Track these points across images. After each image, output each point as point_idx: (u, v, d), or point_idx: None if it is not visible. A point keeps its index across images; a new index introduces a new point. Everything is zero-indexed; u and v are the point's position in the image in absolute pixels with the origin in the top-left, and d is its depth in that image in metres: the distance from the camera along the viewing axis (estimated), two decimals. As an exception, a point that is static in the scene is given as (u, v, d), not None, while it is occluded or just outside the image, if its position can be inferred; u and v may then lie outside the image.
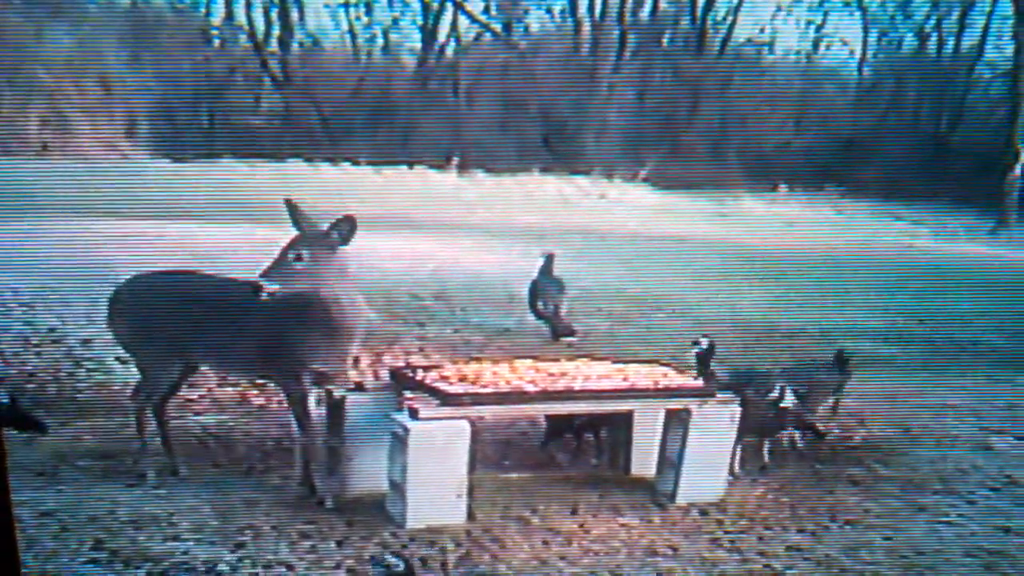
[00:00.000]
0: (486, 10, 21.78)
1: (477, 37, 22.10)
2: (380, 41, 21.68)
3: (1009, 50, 20.76)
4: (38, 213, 10.70)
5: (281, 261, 4.72)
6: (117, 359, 6.63)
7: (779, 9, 21.80)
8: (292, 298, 4.94)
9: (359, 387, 5.28)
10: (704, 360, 5.69)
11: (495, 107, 20.99)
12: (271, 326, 4.91)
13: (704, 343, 5.73)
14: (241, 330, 4.95)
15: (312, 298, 4.87)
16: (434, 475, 4.74)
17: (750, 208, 18.93)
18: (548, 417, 5.76)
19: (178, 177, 14.72)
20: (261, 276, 4.67)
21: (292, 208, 4.84)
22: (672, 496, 5.31)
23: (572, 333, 8.59)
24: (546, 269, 8.96)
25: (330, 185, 16.49)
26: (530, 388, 5.09)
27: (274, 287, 4.67)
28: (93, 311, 7.07)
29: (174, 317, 5.00)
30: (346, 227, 4.82)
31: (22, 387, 6.07)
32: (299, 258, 4.73)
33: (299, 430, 5.05)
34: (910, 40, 22.75)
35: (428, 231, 13.65)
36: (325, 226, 4.84)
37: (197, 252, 9.06)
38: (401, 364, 5.63)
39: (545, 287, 8.87)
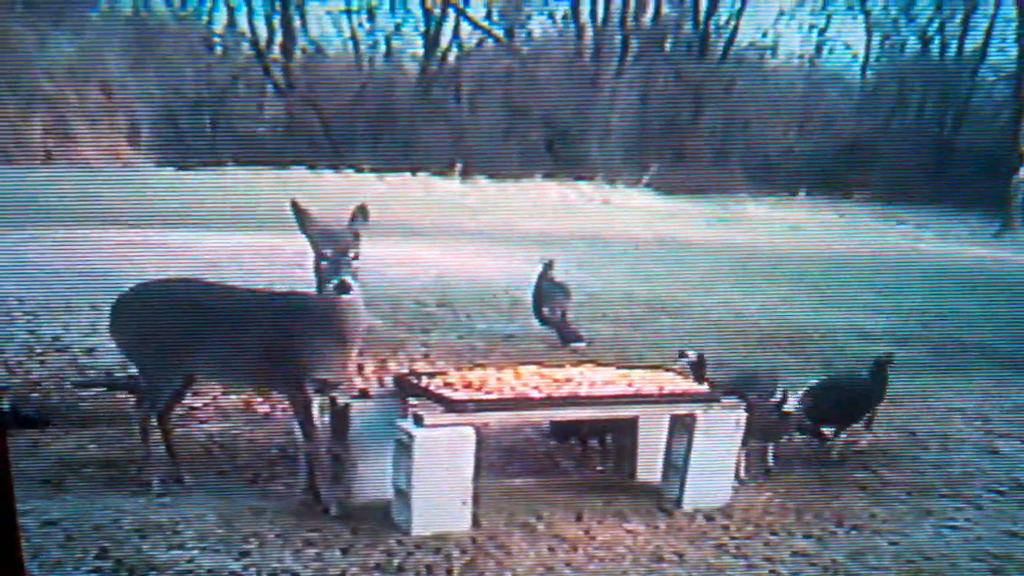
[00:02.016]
0: (488, 16, 21.81)
1: (479, 43, 22.14)
2: (382, 48, 21.72)
3: (1013, 53, 20.77)
4: (41, 221, 10.71)
5: (344, 260, 4.71)
6: (121, 368, 6.63)
7: (782, 13, 21.83)
8: (296, 304, 4.96)
9: (364, 394, 5.27)
10: (699, 371, 5.66)
11: (498, 113, 21.01)
12: (275, 333, 4.91)
13: (692, 355, 5.69)
14: (245, 338, 4.94)
15: (315, 303, 4.87)
16: (439, 482, 4.73)
17: (754, 213, 18.93)
18: (553, 423, 5.76)
19: (181, 185, 14.75)
20: (339, 277, 4.66)
21: (300, 211, 4.80)
22: (678, 502, 5.30)
23: (580, 339, 8.58)
24: (547, 275, 8.95)
25: (333, 192, 16.49)
26: (535, 394, 5.08)
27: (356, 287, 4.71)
28: (97, 320, 7.07)
29: (177, 325, 5.00)
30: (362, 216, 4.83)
31: (25, 395, 6.05)
32: (356, 257, 4.75)
33: (304, 438, 5.04)
34: (913, 43, 22.75)
35: (432, 238, 13.66)
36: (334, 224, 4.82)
37: (200, 260, 9.07)
38: (406, 371, 5.64)
39: (551, 293, 8.86)
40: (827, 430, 6.21)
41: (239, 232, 11.02)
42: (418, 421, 4.74)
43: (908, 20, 22.43)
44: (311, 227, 4.75)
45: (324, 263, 4.72)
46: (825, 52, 22.65)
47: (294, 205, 4.79)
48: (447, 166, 18.72)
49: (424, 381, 5.15)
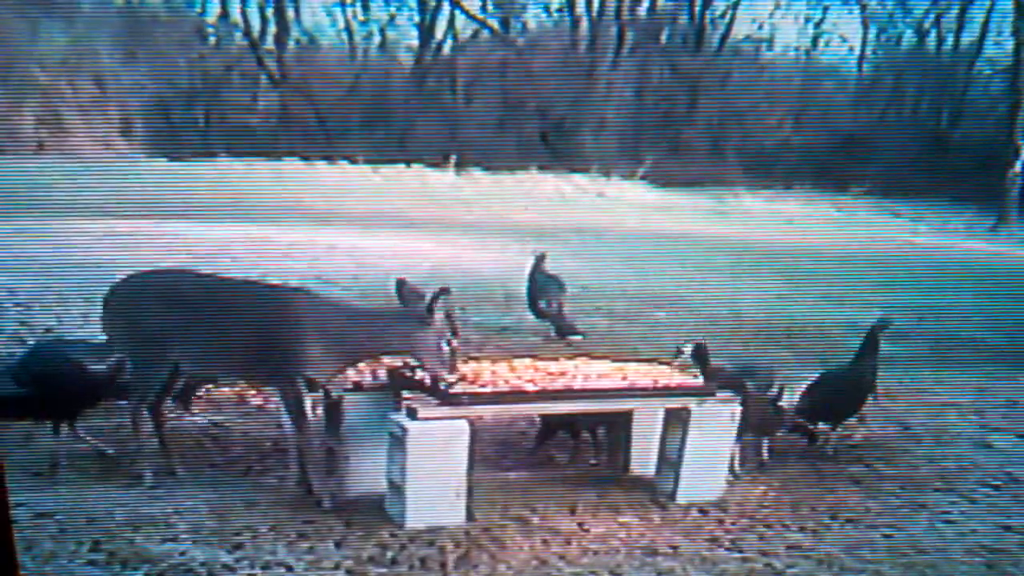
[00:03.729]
0: (483, 7, 21.78)
1: (474, 34, 22.11)
2: (377, 39, 21.69)
3: (1009, 46, 20.81)
4: (34, 212, 10.68)
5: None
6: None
7: (778, 6, 21.83)
8: (290, 299, 4.96)
9: (357, 387, 5.25)
10: (702, 360, 5.65)
11: (493, 105, 20.99)
12: (268, 327, 4.89)
13: (687, 350, 5.67)
14: (237, 331, 4.92)
15: (311, 299, 4.90)
16: (433, 475, 4.72)
17: (749, 206, 18.94)
18: (542, 416, 5.75)
19: (174, 176, 14.71)
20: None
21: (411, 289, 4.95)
22: (672, 495, 5.29)
23: (576, 332, 8.57)
24: (540, 268, 8.93)
25: (327, 184, 16.48)
26: (529, 387, 5.06)
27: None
28: (89, 310, 7.05)
29: (170, 317, 4.97)
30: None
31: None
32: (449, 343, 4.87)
33: (296, 431, 5.02)
34: (909, 36, 22.77)
35: (426, 229, 13.65)
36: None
37: (193, 251, 9.05)
38: (399, 363, 5.62)
39: (545, 286, 8.85)
40: (822, 426, 6.22)
41: (231, 223, 10.99)
42: (412, 414, 4.73)
43: (904, 13, 22.45)
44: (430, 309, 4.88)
45: (447, 348, 4.85)
46: (821, 45, 22.67)
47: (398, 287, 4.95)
48: (442, 158, 18.70)
49: (418, 374, 5.13)
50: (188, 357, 5.11)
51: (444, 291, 4.94)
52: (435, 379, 4.87)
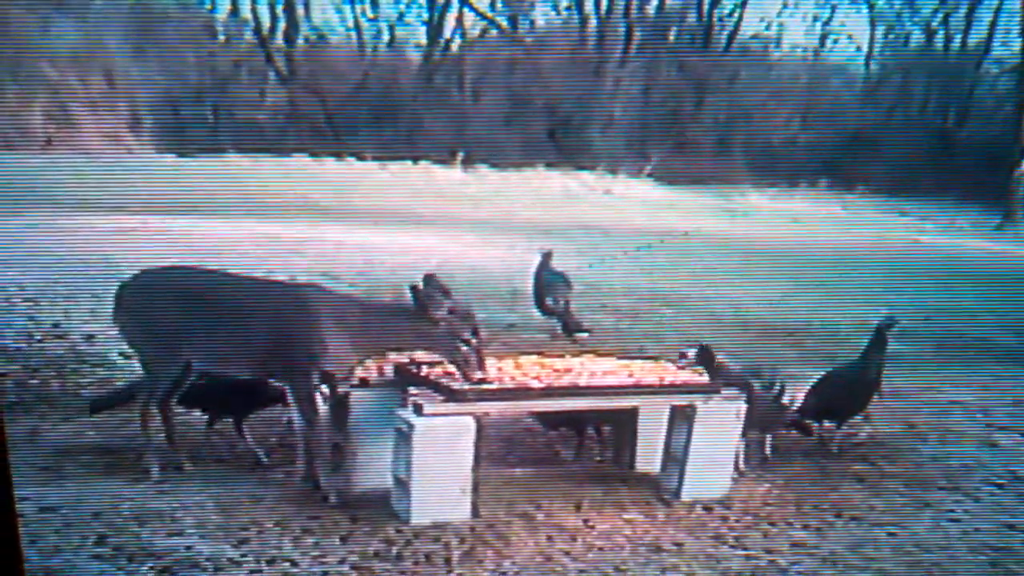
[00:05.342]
0: (492, 5, 21.75)
1: (483, 32, 22.09)
2: (385, 36, 21.69)
3: (1016, 45, 20.72)
4: (42, 208, 10.71)
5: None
6: (121, 355, 6.63)
7: (785, 5, 21.75)
8: (300, 295, 4.99)
9: (363, 383, 5.26)
10: (708, 363, 5.62)
11: (500, 102, 20.97)
12: (283, 324, 4.91)
13: (690, 354, 5.64)
14: (250, 327, 4.94)
15: (321, 298, 4.94)
16: (439, 471, 4.73)
17: (756, 204, 18.90)
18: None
19: (183, 172, 14.73)
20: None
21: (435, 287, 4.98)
22: (677, 492, 5.30)
23: (583, 329, 8.58)
24: (547, 265, 8.93)
25: (335, 180, 16.49)
26: (535, 384, 5.08)
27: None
28: (97, 306, 7.07)
29: (179, 314, 4.99)
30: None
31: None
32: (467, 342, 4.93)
33: (305, 426, 5.03)
34: (917, 35, 22.70)
35: (433, 226, 13.65)
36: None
37: (202, 247, 9.06)
38: (406, 360, 5.63)
39: (552, 283, 8.85)
40: (828, 424, 6.22)
41: (241, 219, 11.00)
42: (418, 410, 4.74)
43: (912, 12, 22.37)
44: (451, 307, 4.94)
45: (466, 348, 4.91)
46: (829, 44, 22.60)
47: (425, 283, 4.98)
48: (449, 155, 18.69)
49: (424, 370, 5.15)
50: (198, 353, 5.13)
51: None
52: (466, 376, 4.90)
